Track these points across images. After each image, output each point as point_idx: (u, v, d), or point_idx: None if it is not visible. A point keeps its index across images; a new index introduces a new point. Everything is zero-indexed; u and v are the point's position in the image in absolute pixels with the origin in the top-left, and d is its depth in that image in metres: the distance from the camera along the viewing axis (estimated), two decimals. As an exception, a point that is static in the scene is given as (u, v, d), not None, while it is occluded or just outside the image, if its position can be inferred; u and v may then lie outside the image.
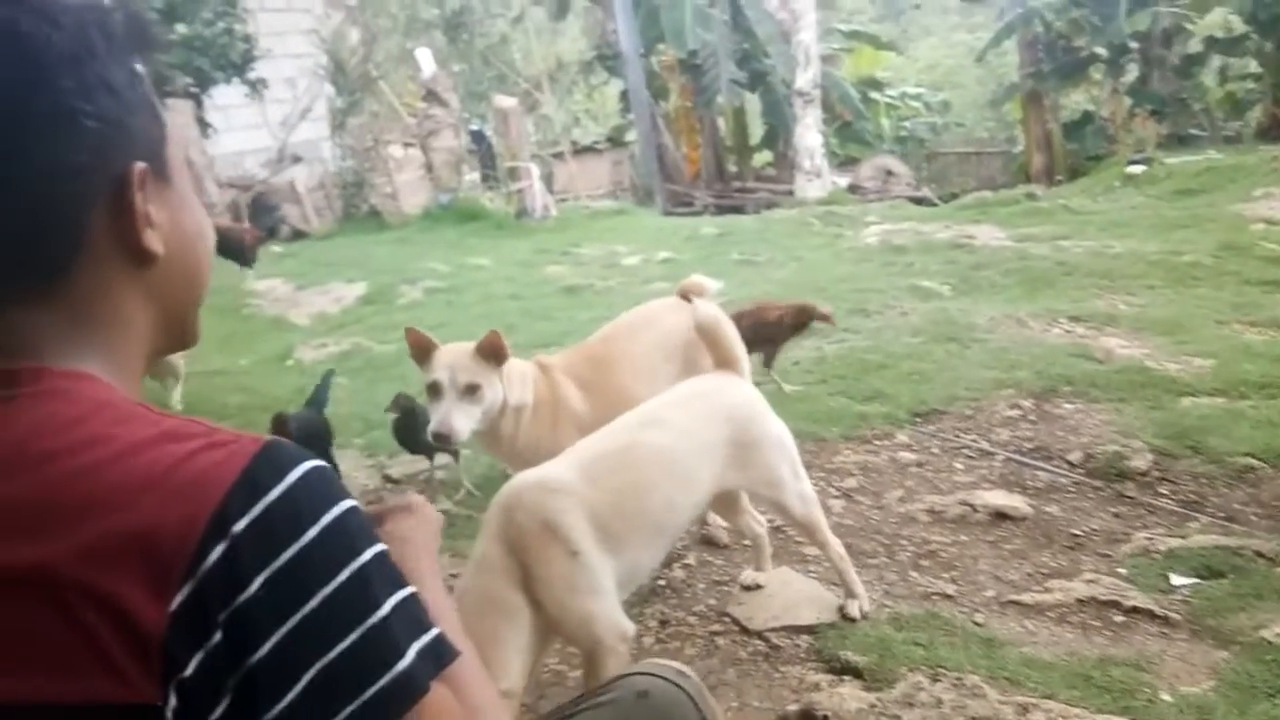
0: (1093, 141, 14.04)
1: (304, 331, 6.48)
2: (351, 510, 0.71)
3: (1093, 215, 8.35)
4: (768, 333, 4.12)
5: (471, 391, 2.47)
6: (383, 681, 0.67)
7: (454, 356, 2.50)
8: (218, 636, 0.64)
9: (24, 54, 0.71)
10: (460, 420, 2.45)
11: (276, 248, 9.90)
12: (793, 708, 2.15)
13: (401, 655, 0.69)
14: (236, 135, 11.44)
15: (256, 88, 11.00)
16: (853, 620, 2.47)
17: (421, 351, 2.53)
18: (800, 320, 4.21)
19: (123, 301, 0.79)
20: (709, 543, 2.98)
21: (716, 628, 2.53)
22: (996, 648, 2.34)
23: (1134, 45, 13.69)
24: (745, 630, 2.50)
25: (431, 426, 2.49)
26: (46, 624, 0.63)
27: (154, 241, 0.78)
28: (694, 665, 2.36)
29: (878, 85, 17.88)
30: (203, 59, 10.43)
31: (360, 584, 0.68)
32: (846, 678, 2.26)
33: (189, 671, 0.63)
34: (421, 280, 7.55)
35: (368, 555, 0.70)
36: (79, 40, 0.73)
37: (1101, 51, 13.98)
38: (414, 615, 0.72)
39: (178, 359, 3.94)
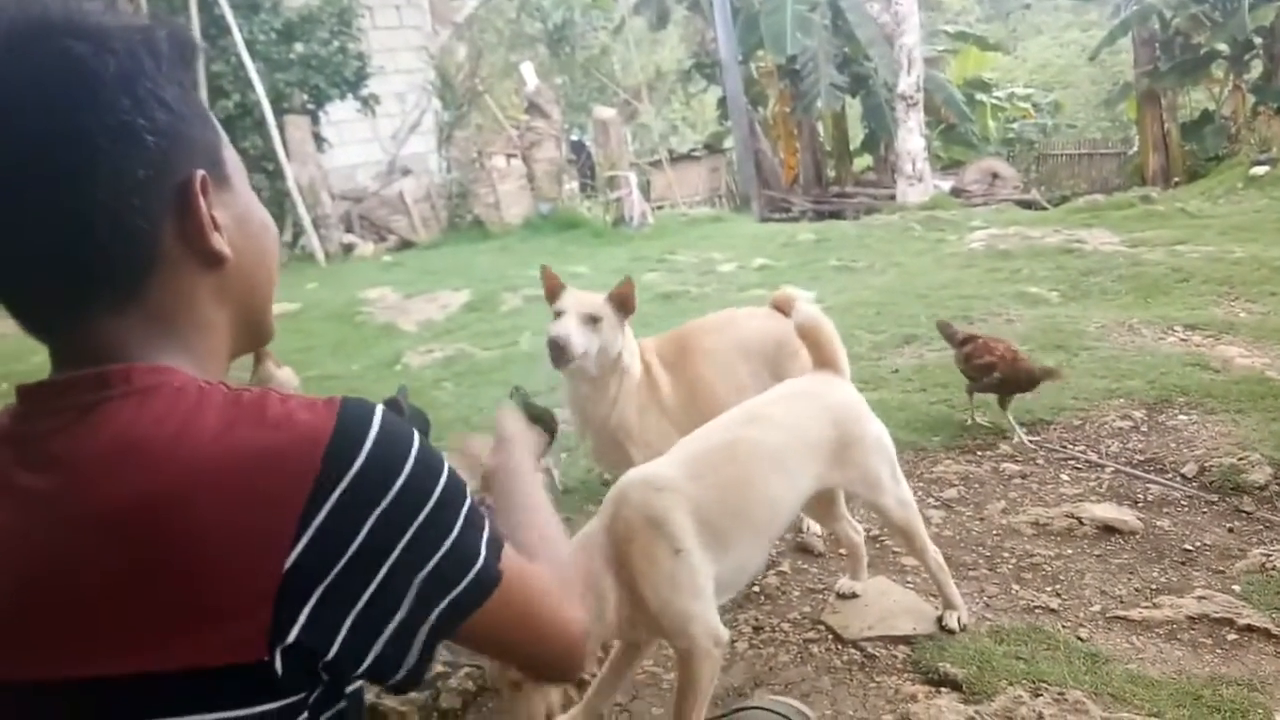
0: (1213, 142, 13.44)
1: (412, 338, 6.69)
2: (423, 446, 0.79)
3: (1212, 219, 8.00)
4: (974, 374, 3.82)
5: (593, 321, 2.60)
6: (468, 579, 0.80)
7: (583, 294, 2.66)
8: (328, 584, 0.72)
9: (82, 78, 0.75)
10: (578, 336, 2.56)
11: (386, 257, 10.25)
12: (888, 718, 2.15)
13: (478, 556, 0.81)
14: (349, 149, 11.89)
15: (368, 103, 11.41)
16: (950, 632, 2.45)
17: (552, 290, 2.67)
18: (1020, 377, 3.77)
19: (199, 304, 0.83)
20: (804, 550, 2.99)
21: (811, 635, 2.53)
22: (1101, 664, 2.29)
23: (1258, 41, 13.04)
24: (840, 639, 2.49)
25: (550, 333, 2.58)
26: (162, 598, 0.69)
27: (221, 244, 0.82)
28: (787, 672, 2.38)
29: (984, 86, 17.47)
30: (319, 76, 10.88)
31: (441, 508, 0.78)
32: (944, 690, 2.23)
33: (299, 627, 0.71)
34: (522, 288, 7.71)
35: (442, 482, 0.79)
36: (131, 61, 0.77)
37: (1223, 47, 13.37)
38: (476, 518, 0.82)
39: (291, 376, 4.12)
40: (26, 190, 0.75)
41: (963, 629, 2.45)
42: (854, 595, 2.65)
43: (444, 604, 0.79)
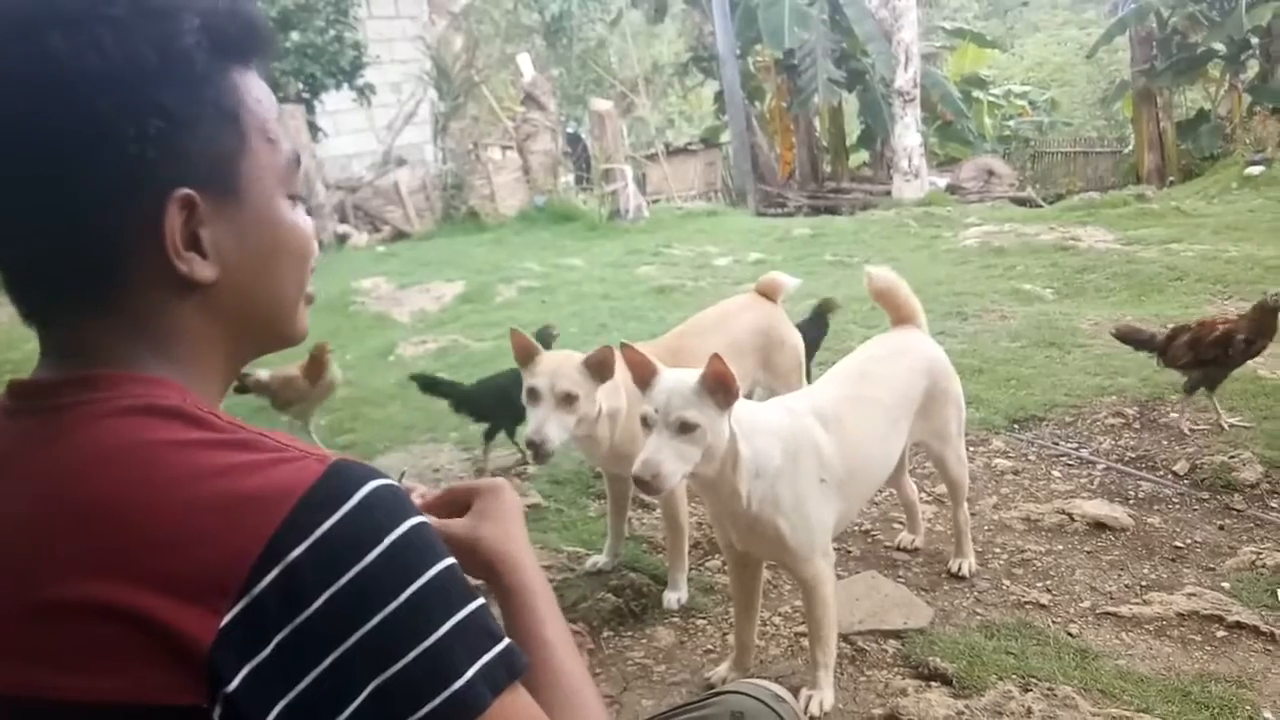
0: (1208, 141, 13.44)
1: (405, 328, 6.68)
2: (417, 527, 0.69)
3: (1206, 218, 8.02)
4: (1211, 352, 3.56)
5: (569, 401, 2.41)
6: (436, 702, 0.66)
7: (557, 364, 2.45)
8: (268, 653, 0.64)
9: (52, 76, 0.69)
10: (553, 429, 2.41)
11: (380, 247, 10.23)
12: (878, 712, 2.15)
13: (460, 675, 0.67)
14: (345, 139, 11.86)
15: (364, 93, 11.37)
16: (962, 578, 2.68)
17: (525, 355, 2.49)
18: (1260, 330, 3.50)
19: (183, 319, 0.77)
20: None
21: (802, 629, 2.53)
22: (1091, 659, 2.30)
23: (1254, 40, 13.05)
24: (831, 632, 2.50)
25: (525, 434, 2.47)
26: (102, 626, 0.65)
27: (199, 269, 0.75)
28: (778, 665, 2.39)
29: (981, 84, 17.45)
30: (314, 65, 10.84)
31: (421, 603, 0.67)
32: (934, 684, 2.24)
33: (234, 686, 0.63)
34: (517, 280, 7.70)
35: (431, 573, 0.68)
36: (122, 58, 0.70)
37: (1219, 47, 13.37)
38: (478, 630, 0.70)
39: (338, 372, 4.12)
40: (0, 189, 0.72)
41: (972, 575, 2.70)
42: (915, 549, 2.92)
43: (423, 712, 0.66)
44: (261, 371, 3.98)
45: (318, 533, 0.65)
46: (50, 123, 0.69)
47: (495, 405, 3.55)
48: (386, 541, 0.67)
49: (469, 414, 3.72)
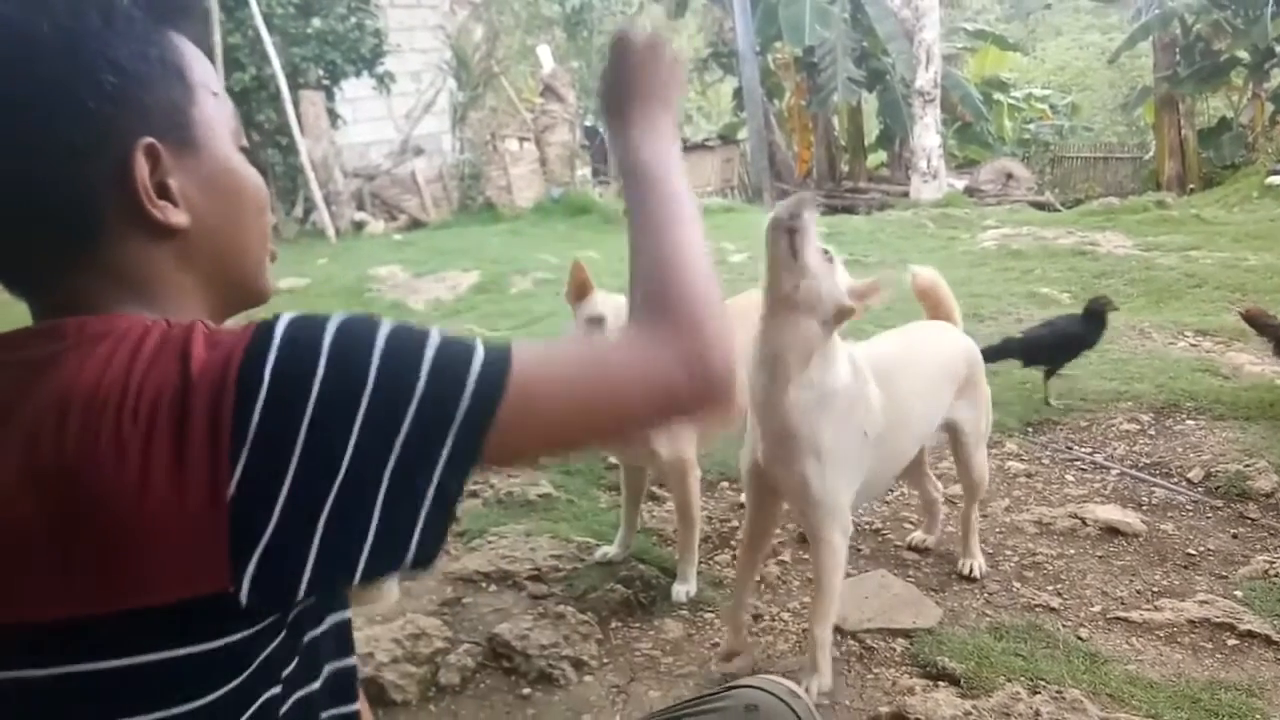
0: (1230, 149, 13.36)
1: (420, 316, 6.69)
2: (346, 319, 0.72)
3: (1226, 226, 7.97)
4: None
5: None
6: (468, 390, 0.71)
7: (619, 301, 2.50)
8: (285, 496, 0.66)
9: (11, 45, 0.72)
10: None
11: (397, 235, 10.25)
12: (885, 710, 2.14)
13: (466, 379, 0.71)
14: (363, 127, 11.87)
15: (384, 81, 11.39)
16: (972, 579, 2.68)
17: (581, 289, 2.56)
18: None
19: (158, 267, 0.79)
20: (804, 540, 2.98)
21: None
22: (1100, 663, 2.29)
23: (1278, 49, 12.95)
24: (839, 630, 2.48)
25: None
26: (106, 534, 0.66)
27: (167, 214, 0.78)
28: (785, 661, 2.38)
29: (1002, 86, 17.37)
30: (335, 53, 10.86)
31: (393, 363, 0.70)
32: (942, 683, 2.24)
33: (266, 539, 0.66)
34: (532, 271, 7.70)
35: (382, 335, 0.71)
36: (70, 20, 0.74)
37: (1243, 55, 13.27)
38: (455, 346, 0.73)
39: None
40: None
41: (981, 577, 2.70)
42: (927, 548, 2.90)
43: (450, 437, 0.70)
44: None
45: (267, 372, 0.68)
46: (13, 90, 0.72)
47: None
48: (327, 339, 0.70)
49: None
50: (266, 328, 0.70)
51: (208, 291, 0.83)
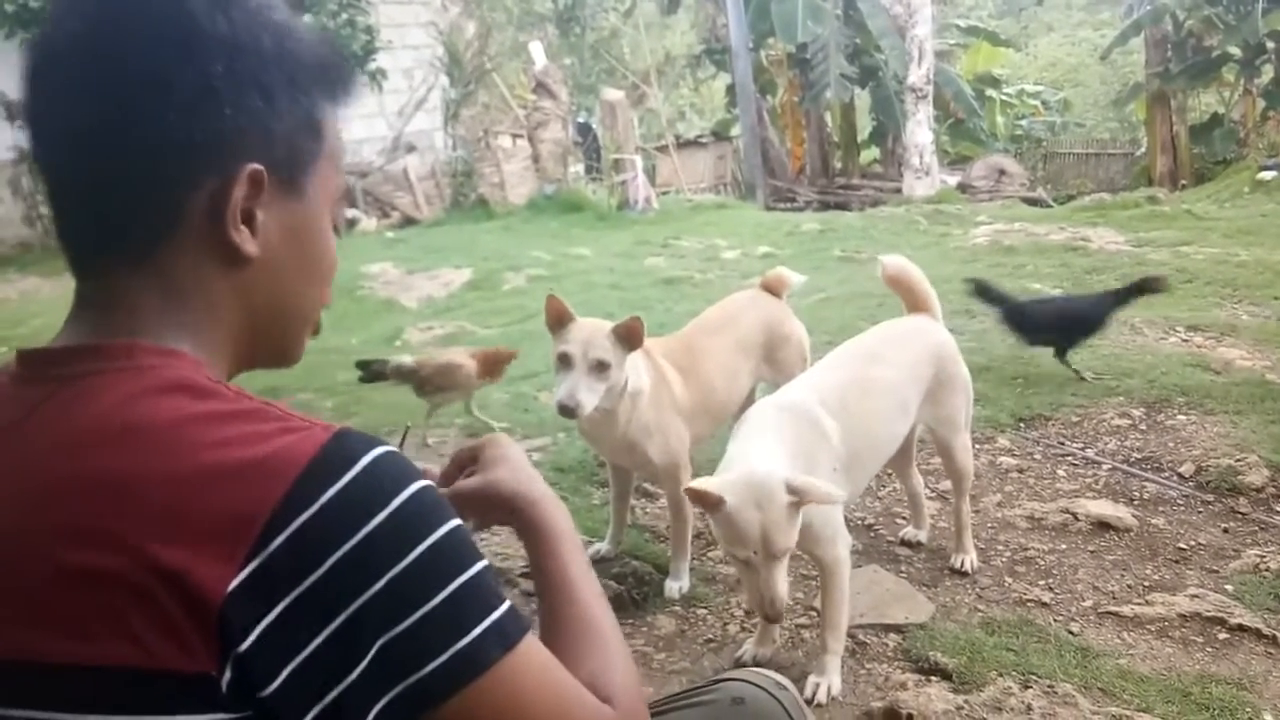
0: (1221, 145, 13.42)
1: (412, 314, 6.69)
2: (421, 491, 0.71)
3: (1218, 221, 7.99)
4: None
5: (601, 369, 2.45)
6: (444, 657, 0.68)
7: (590, 332, 2.49)
8: (277, 615, 0.65)
9: (183, 30, 0.74)
10: (585, 395, 2.44)
11: (389, 233, 10.23)
12: (878, 705, 2.15)
13: (467, 632, 0.69)
14: (355, 124, 11.81)
15: (376, 78, 11.34)
16: (964, 573, 2.67)
17: (558, 320, 2.53)
18: None
19: (212, 290, 0.79)
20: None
21: (802, 621, 2.53)
22: (1091, 658, 2.29)
23: (1270, 45, 12.99)
24: (831, 625, 2.50)
25: (557, 397, 2.49)
26: (111, 591, 0.65)
27: (247, 243, 0.78)
28: (777, 656, 2.38)
29: (994, 82, 17.41)
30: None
31: (428, 564, 0.69)
32: (934, 678, 2.24)
33: (245, 646, 0.65)
34: (525, 268, 7.70)
35: (438, 534, 0.70)
36: (246, 33, 0.76)
37: (1235, 51, 13.32)
38: (486, 589, 0.72)
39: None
40: (97, 120, 0.74)
41: (974, 571, 2.69)
42: (919, 544, 2.88)
43: (409, 681, 0.68)
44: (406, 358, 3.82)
45: (324, 498, 0.67)
46: (168, 72, 0.74)
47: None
48: (393, 505, 0.69)
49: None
50: (349, 446, 0.70)
51: (244, 335, 0.83)
